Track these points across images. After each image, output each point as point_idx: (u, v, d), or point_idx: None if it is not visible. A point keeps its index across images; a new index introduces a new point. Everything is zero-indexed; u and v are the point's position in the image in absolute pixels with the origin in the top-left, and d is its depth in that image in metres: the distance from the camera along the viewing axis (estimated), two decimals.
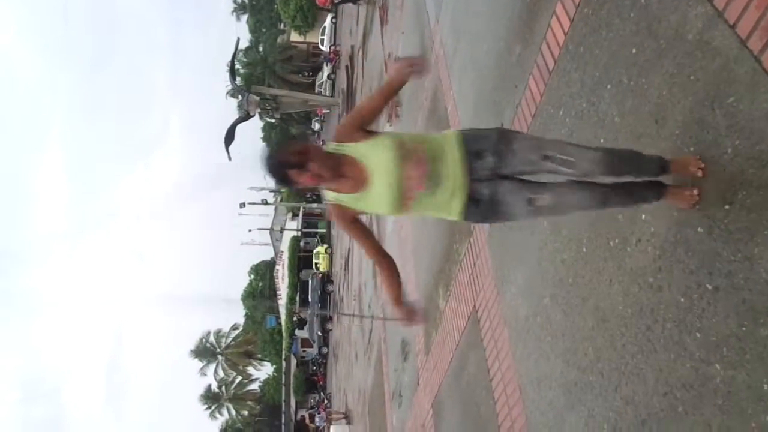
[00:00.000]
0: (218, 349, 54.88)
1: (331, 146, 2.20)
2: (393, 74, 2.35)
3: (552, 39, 3.49)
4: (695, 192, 2.19)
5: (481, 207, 2.19)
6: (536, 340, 3.46)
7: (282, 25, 50.55)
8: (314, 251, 30.10)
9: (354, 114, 2.24)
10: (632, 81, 2.67)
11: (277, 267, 46.95)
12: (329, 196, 2.25)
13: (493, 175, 2.17)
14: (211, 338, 55.24)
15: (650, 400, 2.36)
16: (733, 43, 2.05)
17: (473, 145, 2.17)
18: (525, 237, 3.76)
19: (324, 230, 37.04)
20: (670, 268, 2.30)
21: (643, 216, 2.51)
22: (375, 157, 2.13)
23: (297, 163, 2.06)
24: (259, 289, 55.99)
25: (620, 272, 2.64)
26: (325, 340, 30.99)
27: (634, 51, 2.66)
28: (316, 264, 30.39)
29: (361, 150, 2.15)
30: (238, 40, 19.03)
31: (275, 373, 53.70)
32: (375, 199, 2.17)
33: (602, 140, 2.86)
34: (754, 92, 1.94)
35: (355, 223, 2.30)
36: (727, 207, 2.03)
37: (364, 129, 2.20)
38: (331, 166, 2.12)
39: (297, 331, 36.46)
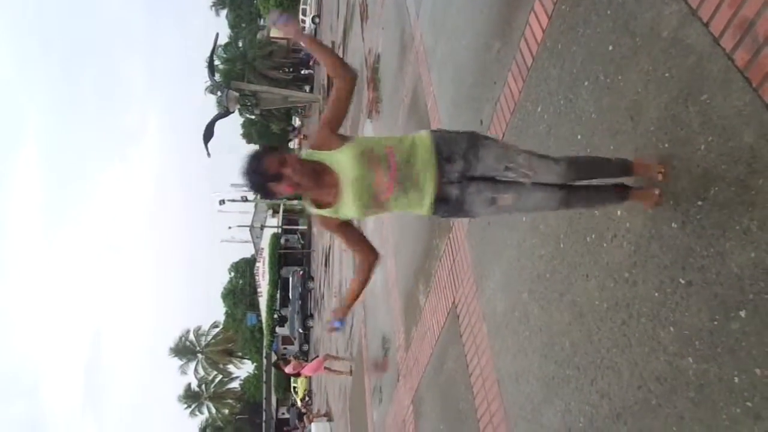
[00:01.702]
0: (198, 348, 54.45)
1: (306, 152, 2.23)
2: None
3: (530, 35, 3.51)
4: (657, 192, 2.30)
5: (449, 205, 2.27)
6: (514, 335, 3.48)
7: (262, 20, 50.14)
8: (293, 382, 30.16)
9: (324, 119, 2.26)
10: (609, 78, 2.69)
11: (257, 264, 46.67)
12: (310, 209, 2.30)
13: (462, 177, 2.24)
14: (191, 336, 54.81)
15: (625, 394, 2.39)
16: (706, 40, 2.08)
17: (445, 149, 2.22)
18: (504, 233, 3.78)
19: (305, 227, 36.94)
20: (644, 263, 2.32)
21: (619, 212, 2.54)
22: (343, 165, 2.16)
23: (276, 174, 2.08)
24: (240, 287, 55.61)
25: (596, 267, 2.67)
26: (306, 337, 30.92)
27: (610, 48, 2.69)
28: (294, 388, 30.64)
29: (334, 157, 2.18)
30: (217, 35, 18.78)
31: (256, 371, 53.43)
32: (348, 206, 2.21)
33: (579, 137, 2.89)
34: (727, 90, 1.97)
35: (341, 227, 2.34)
36: (699, 203, 2.06)
37: (335, 130, 2.21)
38: (309, 174, 2.14)
39: (278, 329, 36.31)
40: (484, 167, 2.23)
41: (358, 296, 2.45)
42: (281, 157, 2.11)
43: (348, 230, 2.37)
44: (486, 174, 2.26)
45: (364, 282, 2.43)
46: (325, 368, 12.60)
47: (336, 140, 2.19)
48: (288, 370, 13.48)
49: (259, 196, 2.18)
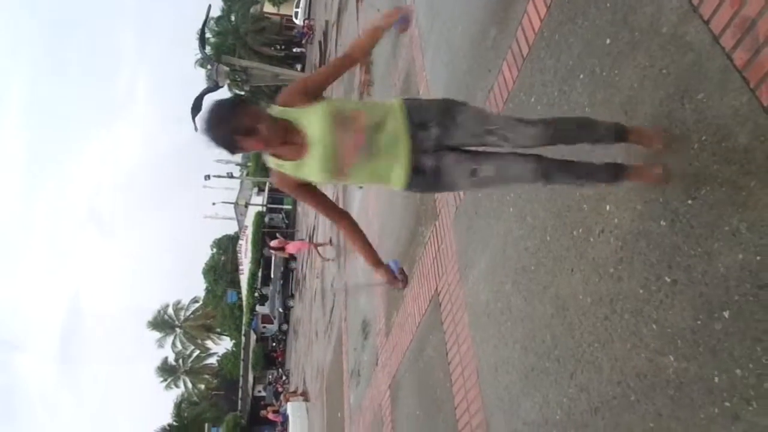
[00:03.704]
0: (177, 322, 54.30)
1: (275, 110, 2.14)
2: (375, 23, 2.27)
3: (528, 25, 3.47)
4: (659, 170, 2.18)
5: (425, 177, 2.17)
6: (496, 325, 3.48)
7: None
8: None
9: (304, 79, 2.20)
10: (605, 72, 2.66)
11: (240, 242, 46.45)
12: (270, 162, 2.20)
13: (437, 146, 2.15)
14: (170, 310, 54.63)
15: (604, 388, 2.40)
16: (705, 38, 2.06)
17: (417, 116, 2.14)
18: (490, 223, 3.77)
19: (290, 206, 36.78)
20: (630, 260, 2.32)
21: (608, 207, 2.53)
22: (312, 123, 2.08)
23: (250, 128, 1.98)
24: (221, 264, 55.37)
25: (582, 262, 2.67)
26: (285, 317, 30.96)
27: (608, 41, 2.66)
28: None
29: (301, 115, 2.10)
30: (210, 7, 18.44)
31: (234, 348, 53.41)
32: (311, 166, 2.13)
33: None
34: (724, 89, 1.96)
35: (300, 188, 2.25)
36: (690, 202, 2.05)
37: (310, 94, 2.13)
38: (278, 131, 2.06)
39: (258, 307, 36.30)
40: (463, 133, 2.14)
41: (373, 253, 2.39)
42: (255, 110, 2.00)
43: (309, 192, 2.29)
44: (465, 142, 2.18)
45: (364, 242, 2.38)
46: (313, 245, 14.04)
47: (306, 99, 2.11)
48: (273, 244, 15.58)
49: (221, 150, 2.10)
